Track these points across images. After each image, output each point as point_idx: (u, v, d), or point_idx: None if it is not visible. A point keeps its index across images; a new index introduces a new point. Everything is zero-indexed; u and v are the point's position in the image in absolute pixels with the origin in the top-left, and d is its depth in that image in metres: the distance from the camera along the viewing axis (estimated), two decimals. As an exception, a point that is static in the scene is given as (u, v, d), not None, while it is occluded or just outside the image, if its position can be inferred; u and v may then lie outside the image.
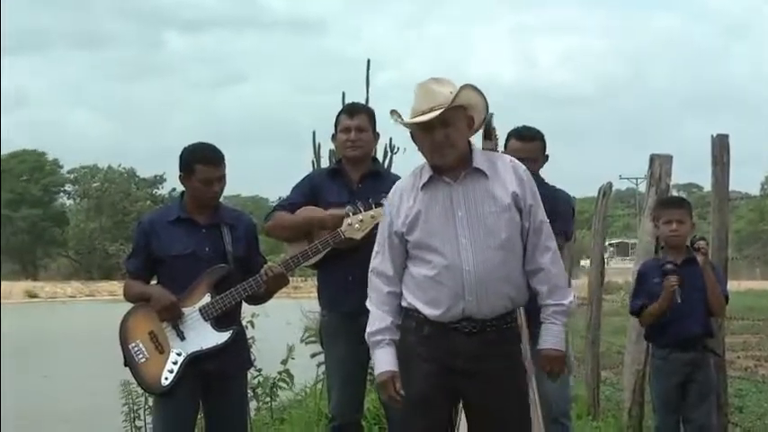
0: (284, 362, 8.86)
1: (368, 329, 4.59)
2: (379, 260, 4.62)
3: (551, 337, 4.57)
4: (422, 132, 4.44)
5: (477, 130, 4.63)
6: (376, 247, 4.66)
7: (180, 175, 5.49)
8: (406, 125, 4.51)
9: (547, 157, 6.02)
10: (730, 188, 7.26)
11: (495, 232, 4.41)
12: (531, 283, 4.58)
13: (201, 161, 5.42)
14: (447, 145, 4.42)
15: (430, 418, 4.50)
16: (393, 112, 4.55)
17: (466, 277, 4.37)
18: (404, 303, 4.56)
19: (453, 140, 4.43)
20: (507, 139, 5.94)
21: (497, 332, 4.46)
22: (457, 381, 4.46)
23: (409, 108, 4.48)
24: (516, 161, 4.70)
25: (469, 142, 4.57)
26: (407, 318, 4.54)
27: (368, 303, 4.64)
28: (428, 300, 4.44)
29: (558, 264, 4.60)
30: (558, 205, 5.92)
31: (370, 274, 4.65)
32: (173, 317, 5.37)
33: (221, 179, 5.46)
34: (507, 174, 4.52)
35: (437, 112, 4.35)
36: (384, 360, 4.54)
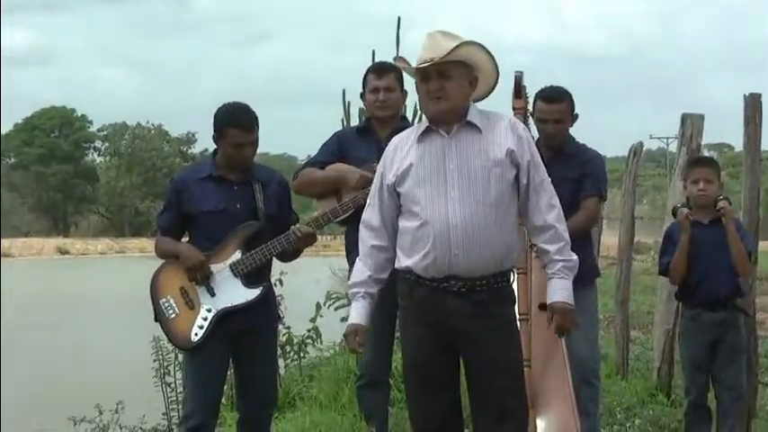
0: (313, 320, 8.88)
1: (349, 281, 4.75)
2: (369, 212, 4.66)
3: (563, 290, 4.59)
4: (420, 81, 4.48)
5: (483, 95, 4.62)
6: (369, 200, 4.70)
7: (213, 136, 5.51)
8: (407, 72, 4.59)
9: (576, 116, 5.97)
10: (762, 147, 7.21)
11: (486, 187, 4.40)
12: (537, 241, 4.62)
13: (234, 125, 5.40)
14: (441, 95, 4.42)
15: (431, 382, 4.52)
16: (399, 58, 4.60)
17: (452, 230, 4.36)
18: (397, 265, 4.57)
19: (449, 92, 4.43)
20: (534, 101, 5.89)
21: (488, 292, 4.45)
22: (452, 339, 4.47)
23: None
24: (516, 120, 4.75)
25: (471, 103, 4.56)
26: (400, 281, 4.56)
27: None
28: (415, 252, 4.44)
29: (563, 222, 4.62)
30: (589, 166, 5.90)
31: (360, 227, 4.71)
32: (201, 276, 5.40)
33: (253, 143, 5.46)
34: (504, 131, 4.51)
35: (427, 63, 4.39)
36: (354, 314, 4.64)
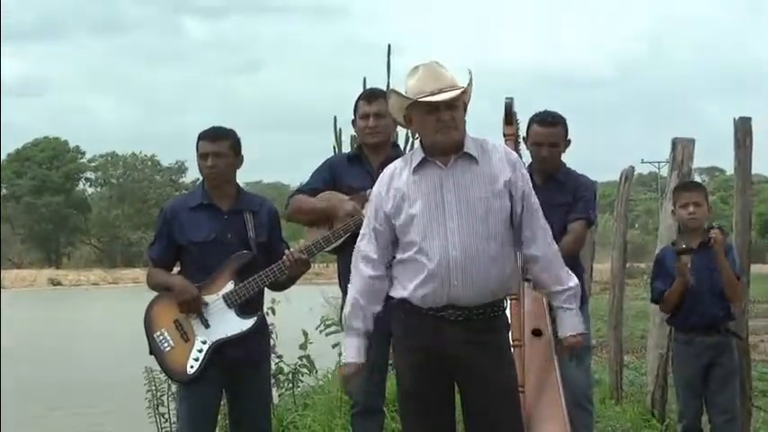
0: (303, 347, 8.86)
1: (344, 311, 4.70)
2: (365, 242, 4.61)
3: (570, 320, 4.69)
4: (427, 113, 4.44)
5: None
6: (363, 229, 4.66)
7: (197, 158, 5.56)
8: (419, 102, 4.42)
9: (569, 141, 5.99)
10: (753, 171, 7.23)
11: (484, 218, 4.41)
12: (531, 270, 4.64)
13: (201, 138, 5.50)
14: (452, 126, 4.43)
15: (426, 409, 4.51)
16: (392, 90, 4.58)
17: (452, 262, 4.35)
18: (392, 293, 4.56)
19: (458, 122, 4.46)
20: (529, 125, 5.91)
21: (484, 321, 4.45)
22: (447, 365, 4.46)
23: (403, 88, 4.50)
24: (508, 148, 4.76)
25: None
26: (395, 309, 4.54)
27: (349, 285, 4.69)
28: (412, 282, 4.43)
29: (553, 248, 4.65)
30: (581, 190, 5.91)
31: (354, 256, 4.67)
32: (194, 309, 5.39)
33: (218, 155, 5.45)
34: (499, 160, 4.53)
35: (458, 92, 4.40)
36: (352, 352, 4.60)
